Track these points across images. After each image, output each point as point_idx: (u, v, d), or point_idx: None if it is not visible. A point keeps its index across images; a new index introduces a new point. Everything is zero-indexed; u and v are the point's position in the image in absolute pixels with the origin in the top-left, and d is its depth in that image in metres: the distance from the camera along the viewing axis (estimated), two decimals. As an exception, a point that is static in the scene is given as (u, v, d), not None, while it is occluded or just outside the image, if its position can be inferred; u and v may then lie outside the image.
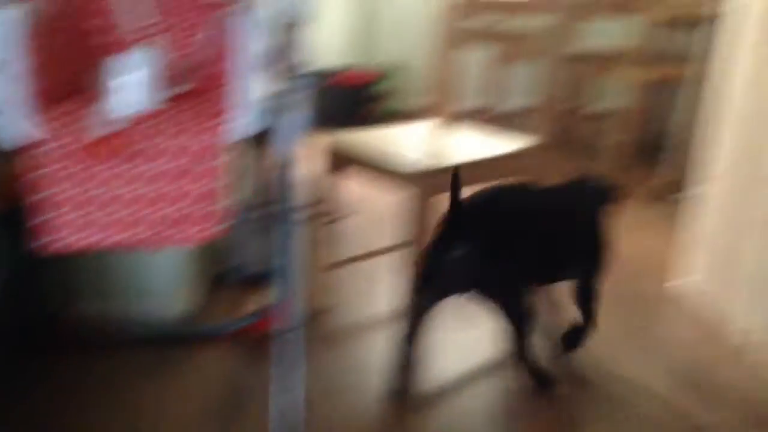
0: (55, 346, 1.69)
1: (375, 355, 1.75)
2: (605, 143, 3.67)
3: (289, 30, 1.17)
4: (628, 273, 2.33)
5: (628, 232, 2.70)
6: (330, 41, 4.56)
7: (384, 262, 2.31)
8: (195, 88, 1.31)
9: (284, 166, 1.20)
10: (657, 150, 3.71)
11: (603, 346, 1.81)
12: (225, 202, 1.14)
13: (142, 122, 1.10)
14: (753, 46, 1.93)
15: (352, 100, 4.30)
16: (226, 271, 2.15)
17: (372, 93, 4.46)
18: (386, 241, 2.52)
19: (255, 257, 2.15)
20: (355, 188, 3.10)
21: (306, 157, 3.76)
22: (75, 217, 1.08)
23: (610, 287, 2.22)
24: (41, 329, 1.69)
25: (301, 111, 1.23)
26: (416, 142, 1.87)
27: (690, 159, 2.34)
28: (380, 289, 2.13)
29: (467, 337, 1.86)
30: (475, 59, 4.81)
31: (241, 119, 1.12)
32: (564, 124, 4.16)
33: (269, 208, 1.74)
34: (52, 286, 1.73)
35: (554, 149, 1.94)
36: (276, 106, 1.21)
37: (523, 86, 4.75)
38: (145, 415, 1.49)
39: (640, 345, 1.85)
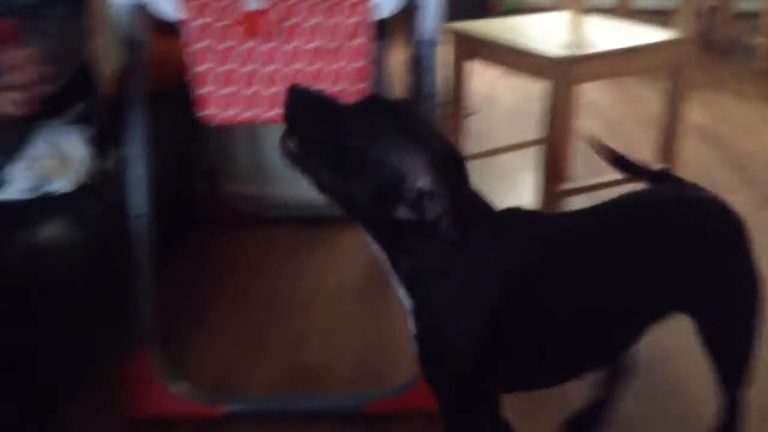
0: (215, 221, 1.82)
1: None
2: (755, 43, 3.37)
3: None
4: None
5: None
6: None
7: (514, 158, 2.27)
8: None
9: (428, 49, 1.19)
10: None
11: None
12: (367, 82, 1.15)
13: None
14: None
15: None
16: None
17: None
18: (516, 137, 2.47)
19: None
20: (480, 84, 3.05)
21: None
22: (227, 93, 1.13)
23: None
24: (204, 204, 1.82)
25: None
26: (551, 32, 1.80)
27: None
28: (509, 185, 2.12)
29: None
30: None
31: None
32: (709, 23, 3.85)
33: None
34: (213, 165, 1.84)
35: (696, 46, 1.79)
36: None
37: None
38: (303, 286, 1.61)
39: None
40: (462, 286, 0.83)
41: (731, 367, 1.04)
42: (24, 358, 1.01)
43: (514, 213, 0.90)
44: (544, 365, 0.92)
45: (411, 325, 0.89)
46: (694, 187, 1.04)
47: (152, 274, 1.22)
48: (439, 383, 0.91)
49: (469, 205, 0.83)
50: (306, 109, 0.85)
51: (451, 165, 0.82)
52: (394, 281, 0.88)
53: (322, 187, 0.85)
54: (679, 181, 1.07)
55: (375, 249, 0.88)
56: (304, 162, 0.85)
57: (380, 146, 0.79)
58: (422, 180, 0.77)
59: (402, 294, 0.88)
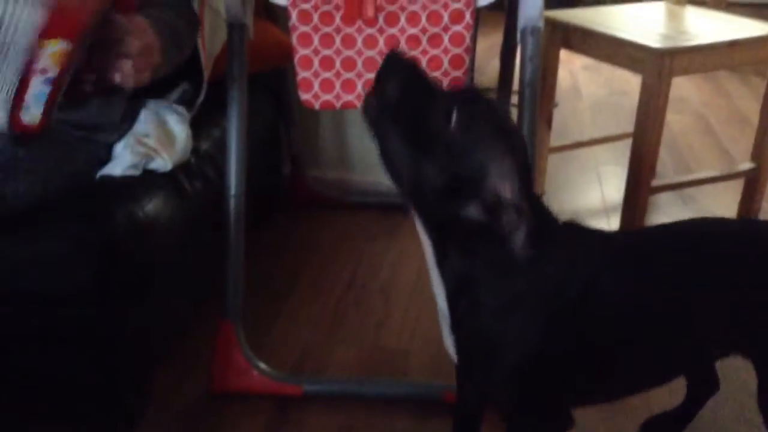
0: (300, 205, 1.86)
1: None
2: None
3: None
4: None
5: None
6: None
7: (598, 152, 2.22)
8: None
9: (530, 37, 1.17)
10: None
11: None
12: (468, 69, 1.14)
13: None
14: None
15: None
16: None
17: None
18: (599, 131, 2.42)
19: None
20: (563, 76, 2.98)
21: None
22: (328, 77, 1.14)
23: None
24: (289, 188, 1.86)
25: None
26: (648, 22, 1.74)
27: None
28: (593, 179, 2.08)
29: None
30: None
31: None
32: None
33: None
34: (298, 150, 1.87)
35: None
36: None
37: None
38: (383, 271, 1.63)
39: None
40: (521, 296, 0.80)
41: None
42: (122, 326, 1.06)
43: (576, 228, 0.86)
44: (597, 381, 0.89)
45: (445, 327, 0.86)
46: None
47: (242, 253, 1.25)
48: (481, 388, 0.90)
49: (541, 219, 0.77)
50: (402, 73, 0.79)
51: (529, 173, 0.78)
52: (434, 276, 0.84)
53: (390, 157, 0.78)
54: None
55: (422, 239, 0.83)
56: (383, 124, 0.78)
57: (472, 134, 0.73)
58: (506, 186, 0.72)
59: (439, 291, 0.84)
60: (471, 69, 1.85)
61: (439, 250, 0.81)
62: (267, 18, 1.51)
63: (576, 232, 0.86)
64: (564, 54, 1.79)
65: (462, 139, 0.73)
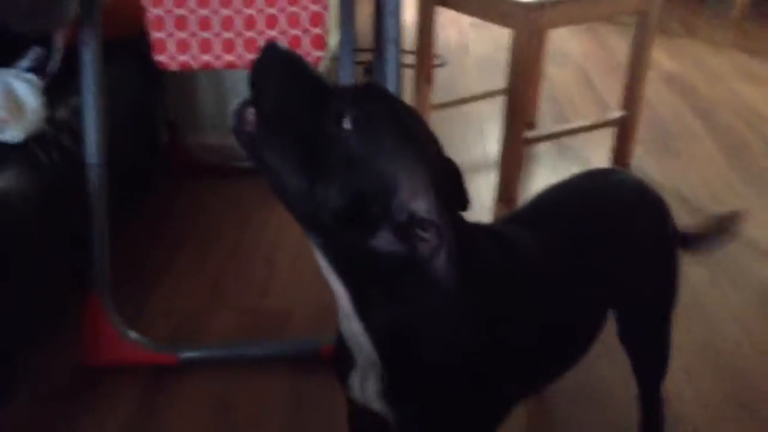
0: (183, 171, 1.82)
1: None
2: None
3: None
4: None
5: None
6: None
7: (483, 107, 2.27)
8: None
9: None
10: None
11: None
12: (328, 27, 1.13)
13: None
14: None
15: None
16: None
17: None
18: (487, 87, 2.46)
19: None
20: (452, 34, 3.01)
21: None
22: (182, 37, 1.11)
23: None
24: (171, 154, 1.81)
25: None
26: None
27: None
28: (477, 134, 2.12)
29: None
30: None
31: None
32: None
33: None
34: (180, 116, 1.82)
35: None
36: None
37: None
38: (267, 236, 1.62)
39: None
40: (462, 342, 0.68)
41: (654, 359, 1.02)
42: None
43: (486, 237, 0.74)
44: (528, 380, 0.83)
45: (372, 384, 0.72)
46: (624, 174, 0.99)
47: (106, 222, 1.21)
48: None
49: (466, 236, 0.64)
50: (281, 76, 0.63)
51: (451, 186, 0.66)
52: (354, 328, 0.68)
53: (279, 183, 0.64)
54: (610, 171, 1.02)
55: (332, 286, 0.68)
56: (262, 146, 0.63)
57: (372, 140, 0.60)
58: (419, 201, 0.60)
59: (364, 345, 0.69)
60: (350, 29, 1.84)
61: (361, 299, 0.66)
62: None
63: (490, 246, 0.73)
64: (453, 13, 1.79)
65: (360, 146, 0.60)
